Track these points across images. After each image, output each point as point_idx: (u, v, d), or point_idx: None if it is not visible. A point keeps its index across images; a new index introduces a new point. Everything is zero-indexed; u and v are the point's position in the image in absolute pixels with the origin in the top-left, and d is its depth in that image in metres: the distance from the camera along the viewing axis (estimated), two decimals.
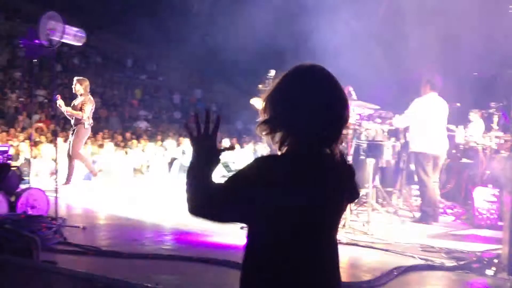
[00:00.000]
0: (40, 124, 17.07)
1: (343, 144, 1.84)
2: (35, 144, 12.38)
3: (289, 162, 1.70)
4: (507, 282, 4.36)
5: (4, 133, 13.94)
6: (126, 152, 14.01)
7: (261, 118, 1.78)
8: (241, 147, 15.52)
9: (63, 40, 5.79)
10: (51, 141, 13.63)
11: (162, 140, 16.20)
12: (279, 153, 1.75)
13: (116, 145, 15.33)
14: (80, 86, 9.20)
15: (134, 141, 15.90)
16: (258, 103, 7.99)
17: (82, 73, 24.79)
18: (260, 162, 1.69)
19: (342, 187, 1.81)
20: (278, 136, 1.75)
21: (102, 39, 26.37)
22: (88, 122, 8.91)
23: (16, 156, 10.19)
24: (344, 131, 1.78)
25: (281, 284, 1.68)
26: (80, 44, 6.15)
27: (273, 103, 1.76)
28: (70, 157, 9.11)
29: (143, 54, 27.77)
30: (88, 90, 9.31)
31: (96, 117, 21.24)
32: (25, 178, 10.08)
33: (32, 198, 5.84)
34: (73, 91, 9.35)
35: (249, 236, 1.74)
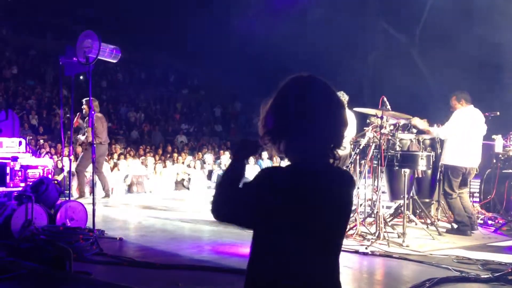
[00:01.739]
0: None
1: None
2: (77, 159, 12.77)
3: (290, 173, 1.75)
4: None
5: (52, 149, 14.42)
6: (165, 166, 14.22)
7: (261, 128, 1.84)
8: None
9: (100, 57, 6.00)
10: None
11: (203, 154, 16.43)
12: (283, 163, 1.81)
13: (159, 159, 15.63)
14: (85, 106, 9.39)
15: (175, 155, 16.17)
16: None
17: (127, 89, 25.50)
18: (263, 173, 1.76)
19: (342, 197, 1.84)
20: (281, 146, 1.81)
21: (145, 55, 27.01)
22: (97, 140, 9.03)
23: (59, 171, 10.51)
24: (343, 136, 1.84)
25: None
26: (115, 61, 6.36)
27: (275, 114, 1.82)
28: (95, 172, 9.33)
29: (185, 68, 28.28)
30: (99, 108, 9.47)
31: (139, 131, 21.87)
32: (66, 191, 10.46)
33: (71, 211, 6.04)
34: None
35: (252, 244, 1.80)
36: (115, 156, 14.73)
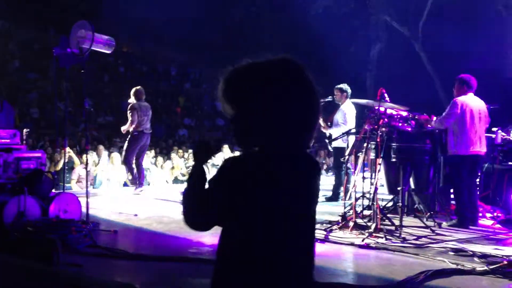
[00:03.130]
0: (86, 133, 17.57)
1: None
2: (80, 152, 12.77)
3: (259, 160, 1.68)
4: None
5: (50, 142, 14.41)
6: (166, 159, 14.20)
7: (230, 116, 1.75)
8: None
9: (94, 48, 5.95)
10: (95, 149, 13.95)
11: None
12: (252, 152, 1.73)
13: (160, 152, 15.62)
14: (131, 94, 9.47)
15: (176, 148, 16.13)
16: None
17: (128, 83, 25.50)
18: (228, 163, 1.68)
19: (312, 183, 1.78)
20: (249, 133, 1.73)
21: (147, 48, 26.96)
22: (136, 129, 9.09)
23: (52, 164, 10.53)
24: (318, 125, 1.77)
25: (249, 284, 1.66)
26: (109, 51, 6.30)
27: (244, 100, 1.72)
28: (124, 164, 9.42)
29: (187, 62, 28.21)
30: (138, 96, 9.48)
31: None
32: (66, 184, 10.44)
33: (65, 203, 6.00)
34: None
35: (222, 236, 1.74)
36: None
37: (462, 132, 6.81)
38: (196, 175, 1.79)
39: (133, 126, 9.25)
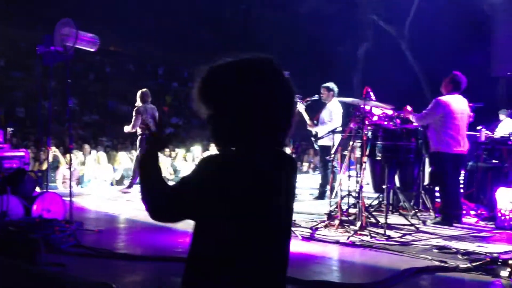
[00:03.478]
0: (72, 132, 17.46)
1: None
2: (65, 151, 12.67)
3: (232, 161, 1.66)
4: None
5: (37, 141, 14.29)
6: None
7: (206, 114, 1.73)
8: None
9: (78, 46, 5.89)
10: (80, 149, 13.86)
11: (191, 146, 16.35)
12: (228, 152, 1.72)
13: None
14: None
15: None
16: (302, 107, 7.94)
17: (115, 82, 25.40)
18: (204, 162, 1.66)
19: (289, 182, 1.78)
20: (223, 131, 1.71)
21: (134, 47, 26.81)
22: (144, 132, 9.05)
23: (35, 163, 10.44)
24: (292, 124, 1.76)
25: (223, 283, 1.65)
26: (94, 49, 6.25)
27: (219, 101, 1.70)
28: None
29: (174, 61, 28.11)
30: (143, 99, 9.44)
31: (128, 124, 21.73)
32: (52, 184, 10.37)
33: (48, 202, 5.95)
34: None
35: (194, 234, 1.72)
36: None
37: (444, 131, 6.85)
38: (154, 167, 1.77)
39: (133, 129, 9.29)
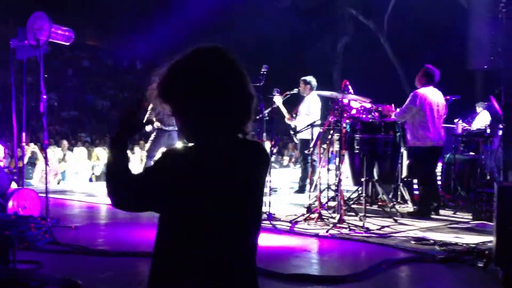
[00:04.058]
0: (50, 127, 17.27)
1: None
2: (42, 147, 12.50)
3: (196, 153, 1.64)
4: (496, 273, 4.24)
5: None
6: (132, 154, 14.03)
7: (167, 108, 1.71)
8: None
9: (51, 40, 5.79)
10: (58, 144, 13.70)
11: None
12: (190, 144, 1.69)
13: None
14: None
15: (142, 142, 15.95)
16: (279, 101, 7.90)
17: (93, 76, 25.12)
18: (167, 156, 1.64)
19: (254, 177, 1.75)
20: (188, 125, 1.70)
21: (113, 42, 26.52)
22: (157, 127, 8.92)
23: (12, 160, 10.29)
24: (253, 110, 1.74)
25: (184, 279, 1.63)
26: (68, 44, 6.14)
27: (174, 88, 1.69)
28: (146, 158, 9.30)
29: (153, 56, 27.89)
30: None
31: (106, 119, 21.52)
32: (27, 180, 10.23)
33: (23, 199, 5.86)
34: None
35: (158, 227, 1.69)
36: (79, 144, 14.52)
37: (420, 124, 6.88)
38: (122, 155, 1.73)
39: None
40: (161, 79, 1.70)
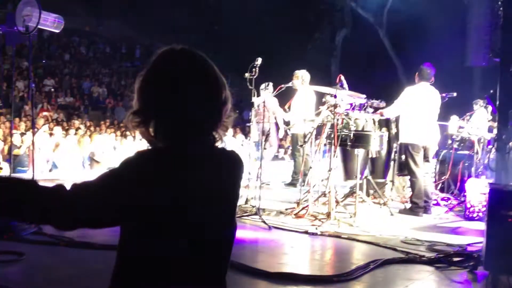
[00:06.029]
0: (45, 114, 17.15)
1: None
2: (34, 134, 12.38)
3: (156, 158, 1.55)
4: (484, 276, 4.20)
5: (8, 123, 13.97)
6: (124, 142, 13.97)
7: (134, 108, 1.64)
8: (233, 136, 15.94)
9: (41, 27, 5.68)
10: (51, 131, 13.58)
11: None
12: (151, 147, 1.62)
13: (122, 135, 15.34)
14: None
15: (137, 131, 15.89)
16: (258, 100, 7.84)
17: (90, 63, 24.97)
18: (127, 160, 1.54)
19: (224, 184, 1.67)
20: (151, 127, 1.62)
21: (111, 29, 26.38)
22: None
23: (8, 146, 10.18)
24: (226, 116, 1.66)
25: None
26: (58, 31, 6.03)
27: (142, 92, 1.63)
28: None
29: (151, 43, 27.75)
30: None
31: (102, 107, 21.41)
32: (23, 168, 10.16)
33: None
34: None
35: (120, 236, 1.61)
36: (80, 132, 14.42)
37: (412, 121, 6.84)
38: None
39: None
40: (138, 91, 1.65)
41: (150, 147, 1.63)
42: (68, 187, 1.51)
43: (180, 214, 1.55)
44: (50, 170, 11.53)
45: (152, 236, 1.54)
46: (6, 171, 6.93)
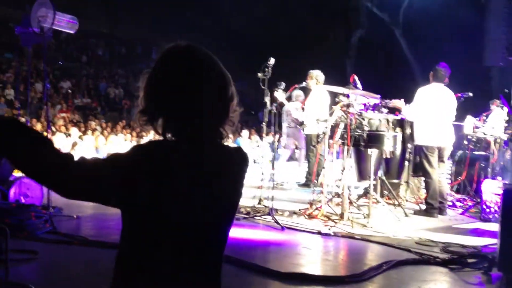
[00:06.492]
0: (63, 115, 17.34)
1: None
2: (53, 134, 12.54)
3: (162, 150, 1.56)
4: (500, 277, 4.14)
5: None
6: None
7: (140, 106, 1.65)
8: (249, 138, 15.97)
9: (56, 28, 5.73)
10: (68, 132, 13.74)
11: None
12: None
13: (138, 136, 15.46)
14: None
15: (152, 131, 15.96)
16: (281, 96, 7.84)
17: (107, 64, 25.14)
18: (133, 149, 1.56)
19: (226, 181, 1.67)
20: (159, 124, 1.62)
21: (127, 30, 26.55)
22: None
23: None
24: (232, 112, 1.66)
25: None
26: (73, 32, 6.08)
27: (149, 89, 1.63)
28: None
29: (167, 44, 27.84)
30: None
31: (118, 108, 21.56)
32: None
33: (25, 187, 5.84)
34: None
35: (122, 225, 1.63)
36: (96, 133, 14.55)
37: (425, 122, 6.78)
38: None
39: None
40: (144, 93, 1.65)
41: (162, 139, 1.64)
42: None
43: (174, 208, 1.55)
44: None
45: (144, 233, 1.56)
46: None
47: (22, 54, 21.38)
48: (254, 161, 14.12)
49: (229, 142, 1.75)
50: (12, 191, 5.71)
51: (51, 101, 18.08)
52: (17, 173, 6.10)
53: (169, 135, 1.61)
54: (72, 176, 1.48)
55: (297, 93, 9.22)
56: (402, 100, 7.14)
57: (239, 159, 1.72)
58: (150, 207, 1.53)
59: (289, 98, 8.81)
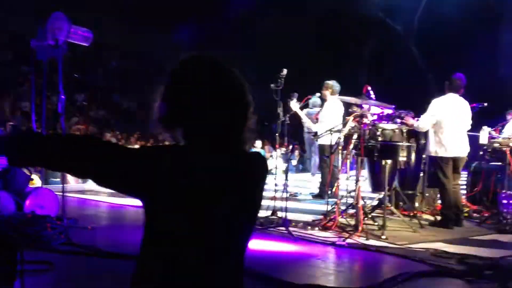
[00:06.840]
0: (79, 127, 17.48)
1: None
2: None
3: (182, 153, 1.60)
4: None
5: None
6: None
7: (157, 114, 1.68)
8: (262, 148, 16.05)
9: (70, 40, 5.80)
10: None
11: None
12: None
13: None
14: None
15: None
16: (296, 106, 7.87)
17: (121, 76, 25.31)
18: (152, 148, 1.61)
19: (247, 187, 1.67)
20: (178, 131, 1.66)
21: (141, 42, 26.74)
22: None
23: None
24: (249, 119, 1.69)
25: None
26: (87, 44, 6.15)
27: (167, 98, 1.67)
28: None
29: (181, 56, 27.99)
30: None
31: (132, 119, 21.69)
32: (54, 179, 10.33)
33: (41, 198, 5.89)
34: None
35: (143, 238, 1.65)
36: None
37: (441, 133, 6.72)
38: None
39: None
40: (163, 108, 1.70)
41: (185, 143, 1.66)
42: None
43: (189, 215, 1.56)
44: (83, 181, 11.70)
45: (165, 237, 1.59)
46: (38, 183, 7.11)
47: (38, 67, 21.64)
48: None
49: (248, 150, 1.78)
50: (27, 202, 5.76)
51: (67, 113, 18.25)
52: (32, 185, 6.16)
53: (189, 142, 1.64)
54: (90, 161, 1.54)
55: (314, 100, 9.23)
56: (412, 114, 7.09)
57: (260, 165, 1.73)
58: (169, 202, 1.55)
59: (304, 107, 8.81)
